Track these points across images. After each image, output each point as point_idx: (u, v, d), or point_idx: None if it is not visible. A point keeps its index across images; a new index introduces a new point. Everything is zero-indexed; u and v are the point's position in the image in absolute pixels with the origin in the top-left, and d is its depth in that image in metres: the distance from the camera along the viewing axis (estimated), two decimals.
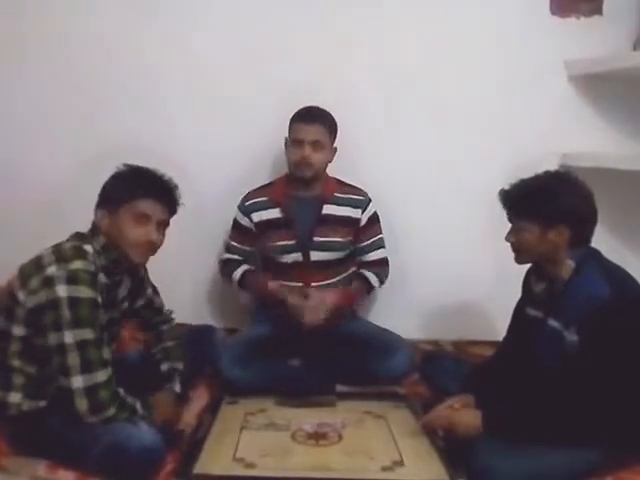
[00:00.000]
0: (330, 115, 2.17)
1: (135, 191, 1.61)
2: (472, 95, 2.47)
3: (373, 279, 2.26)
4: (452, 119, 2.48)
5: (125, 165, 1.67)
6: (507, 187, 1.70)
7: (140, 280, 1.83)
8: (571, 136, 2.44)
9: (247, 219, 2.22)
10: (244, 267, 2.28)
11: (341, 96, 2.38)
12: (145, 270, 1.86)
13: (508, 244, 2.43)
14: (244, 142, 2.44)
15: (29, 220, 2.43)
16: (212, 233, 2.50)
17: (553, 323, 1.66)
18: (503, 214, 2.34)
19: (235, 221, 2.27)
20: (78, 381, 1.49)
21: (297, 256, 2.19)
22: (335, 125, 2.17)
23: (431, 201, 2.52)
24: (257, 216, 2.20)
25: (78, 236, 1.64)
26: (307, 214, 2.17)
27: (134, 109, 2.43)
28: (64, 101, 2.43)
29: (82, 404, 1.49)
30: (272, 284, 2.18)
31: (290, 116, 2.19)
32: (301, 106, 2.19)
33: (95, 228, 1.65)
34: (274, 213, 2.19)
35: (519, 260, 1.73)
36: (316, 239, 2.17)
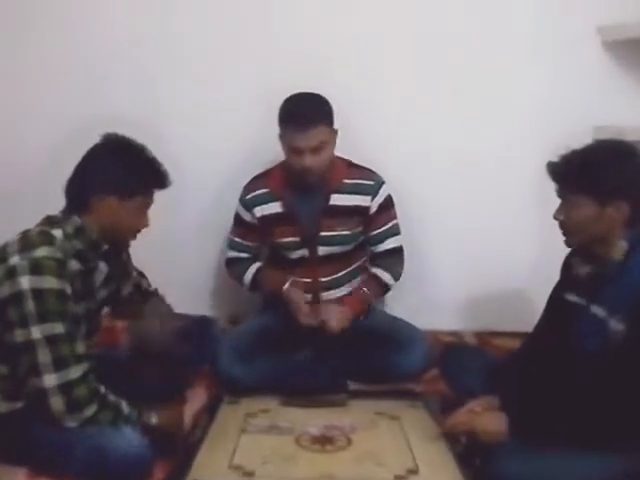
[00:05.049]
0: (322, 102, 1.90)
1: (152, 184, 1.55)
2: (498, 64, 2.28)
3: (387, 278, 2.05)
4: (477, 90, 2.29)
5: (118, 141, 1.53)
6: (556, 159, 1.50)
7: (123, 266, 1.69)
8: (605, 108, 2.23)
9: (249, 214, 2.04)
10: (254, 267, 2.09)
11: (351, 70, 2.21)
12: (128, 255, 1.73)
13: (533, 226, 2.32)
14: (242, 124, 2.28)
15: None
16: (209, 218, 2.36)
17: (596, 310, 1.48)
18: (530, 193, 2.23)
19: (237, 215, 2.08)
20: (51, 379, 1.37)
21: (303, 252, 2.01)
22: (330, 110, 1.91)
23: (450, 181, 2.35)
24: (259, 211, 2.02)
25: (47, 220, 1.50)
26: (312, 206, 1.97)
27: (124, 91, 2.29)
28: (44, 79, 2.31)
29: (57, 403, 1.38)
30: (286, 289, 1.99)
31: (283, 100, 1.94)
32: (303, 87, 1.93)
33: (72, 209, 1.50)
34: (275, 207, 2.00)
35: (570, 242, 1.54)
36: (323, 234, 1.98)
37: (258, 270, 2.08)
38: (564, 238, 1.54)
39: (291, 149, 1.88)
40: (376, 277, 2.05)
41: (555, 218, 1.52)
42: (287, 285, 1.99)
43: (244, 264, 2.10)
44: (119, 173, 1.50)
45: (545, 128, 2.24)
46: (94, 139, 1.53)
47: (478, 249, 2.36)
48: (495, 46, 2.27)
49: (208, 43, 2.28)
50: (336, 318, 1.91)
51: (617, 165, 1.43)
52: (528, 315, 2.29)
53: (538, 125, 2.28)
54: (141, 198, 1.52)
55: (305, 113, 1.85)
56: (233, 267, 2.14)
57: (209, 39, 2.27)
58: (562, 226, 1.52)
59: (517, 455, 1.40)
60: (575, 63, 2.26)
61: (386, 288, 2.06)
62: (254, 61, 2.26)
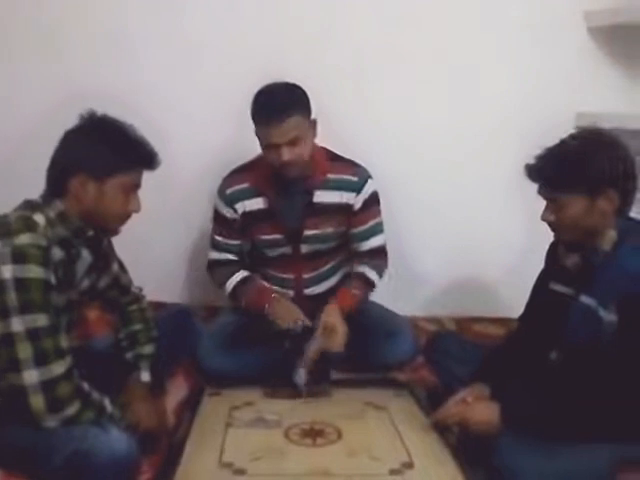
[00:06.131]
0: (294, 91, 1.77)
1: (130, 162, 1.42)
2: (482, 50, 2.23)
3: (374, 276, 1.95)
4: (460, 74, 2.24)
5: (95, 120, 1.42)
6: (534, 160, 1.46)
7: (104, 255, 1.57)
8: (590, 93, 2.23)
9: (230, 210, 1.91)
10: (238, 276, 1.94)
11: (334, 55, 2.14)
12: (109, 243, 1.61)
13: (513, 213, 2.31)
14: (225, 104, 2.17)
15: None
16: (186, 203, 2.26)
17: (586, 300, 1.47)
18: (513, 180, 2.19)
19: (217, 212, 1.94)
20: (32, 375, 1.27)
21: (286, 249, 1.92)
22: (305, 99, 1.78)
23: (433, 168, 2.30)
24: (241, 206, 1.89)
25: (27, 204, 1.38)
26: (295, 203, 1.87)
27: (109, 66, 2.17)
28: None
29: (38, 402, 1.28)
30: (268, 308, 1.87)
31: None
32: (292, 71, 1.83)
33: (53, 193, 1.39)
34: (258, 203, 1.89)
35: (564, 239, 1.51)
36: (307, 232, 1.89)
37: (241, 282, 1.94)
38: (557, 236, 1.52)
39: (267, 145, 1.76)
40: (363, 276, 1.94)
41: (545, 220, 1.48)
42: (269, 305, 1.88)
43: (227, 270, 1.96)
44: (92, 152, 1.38)
45: (528, 114, 2.23)
46: (72, 117, 1.41)
47: (459, 235, 2.34)
48: (480, 31, 2.22)
49: (195, 22, 2.17)
50: (337, 342, 1.80)
51: (600, 155, 1.41)
52: (507, 301, 2.33)
53: (521, 111, 2.25)
54: (122, 179, 1.40)
55: (276, 105, 1.72)
56: (215, 272, 1.99)
57: (196, 17, 2.16)
58: (553, 226, 1.49)
59: (519, 448, 1.38)
60: (561, 48, 2.23)
61: (372, 286, 1.97)
62: (243, 41, 2.16)
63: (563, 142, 1.47)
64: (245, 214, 1.90)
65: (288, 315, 1.84)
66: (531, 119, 2.21)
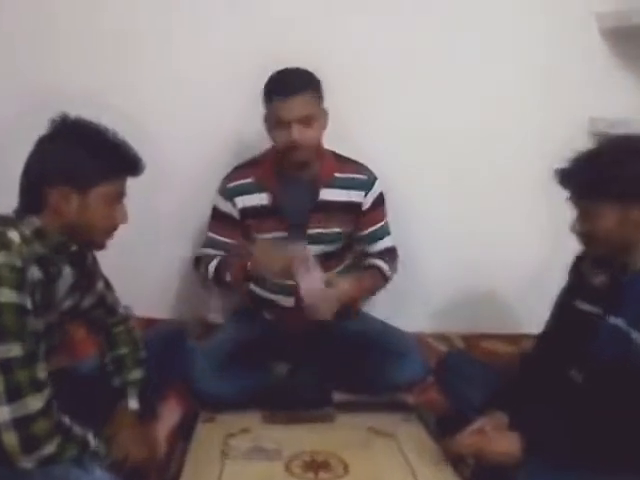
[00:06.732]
0: (310, 74, 1.77)
1: (115, 170, 1.30)
2: (491, 53, 2.14)
3: (387, 270, 1.89)
4: (468, 80, 2.14)
5: (70, 123, 1.28)
6: (566, 165, 1.37)
7: (88, 272, 1.44)
8: (602, 98, 2.13)
9: (229, 204, 1.82)
10: (219, 257, 1.83)
11: (337, 52, 2.04)
12: (94, 259, 1.48)
13: (523, 226, 2.22)
14: (223, 107, 2.07)
15: None
16: (180, 208, 2.15)
17: (615, 321, 1.37)
18: (523, 191, 2.12)
19: (215, 209, 1.87)
20: (3, 412, 1.15)
21: None
22: (317, 82, 1.77)
23: (439, 177, 2.20)
24: (241, 201, 1.82)
25: (1, 220, 1.25)
26: (300, 200, 1.80)
27: (100, 66, 2.08)
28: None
29: (11, 440, 1.15)
30: (251, 264, 1.70)
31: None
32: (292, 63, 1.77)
33: (28, 206, 1.26)
34: (261, 199, 1.81)
35: (594, 252, 1.42)
36: (311, 231, 1.81)
37: (223, 258, 1.82)
38: (587, 249, 1.42)
39: (276, 124, 1.72)
40: (378, 268, 1.88)
41: (574, 231, 1.38)
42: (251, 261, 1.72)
43: (211, 257, 1.85)
44: (72, 161, 1.26)
45: (540, 119, 2.14)
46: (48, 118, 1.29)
47: (467, 249, 2.23)
48: (489, 33, 2.13)
49: (194, 23, 2.08)
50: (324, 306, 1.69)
51: (636, 162, 1.31)
52: (516, 317, 2.24)
53: (532, 116, 2.16)
54: (106, 188, 1.28)
55: (289, 81, 1.73)
56: (200, 264, 1.87)
57: (194, 17, 2.08)
58: (583, 238, 1.39)
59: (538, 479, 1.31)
60: (570, 51, 2.14)
61: (386, 280, 1.90)
62: (242, 42, 2.07)
63: (597, 147, 1.38)
64: (245, 209, 1.82)
65: (275, 260, 1.66)
66: (543, 124, 2.13)
